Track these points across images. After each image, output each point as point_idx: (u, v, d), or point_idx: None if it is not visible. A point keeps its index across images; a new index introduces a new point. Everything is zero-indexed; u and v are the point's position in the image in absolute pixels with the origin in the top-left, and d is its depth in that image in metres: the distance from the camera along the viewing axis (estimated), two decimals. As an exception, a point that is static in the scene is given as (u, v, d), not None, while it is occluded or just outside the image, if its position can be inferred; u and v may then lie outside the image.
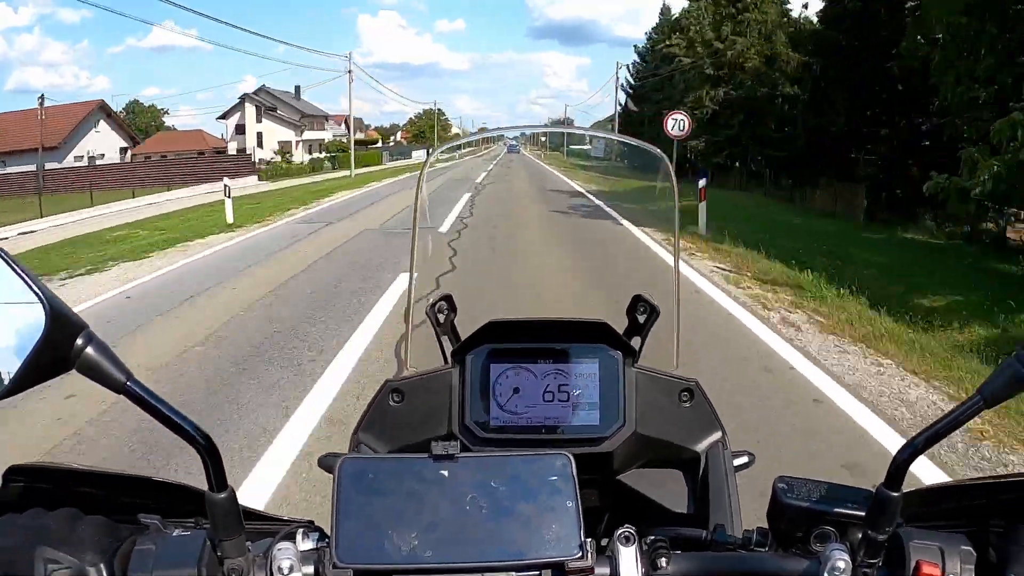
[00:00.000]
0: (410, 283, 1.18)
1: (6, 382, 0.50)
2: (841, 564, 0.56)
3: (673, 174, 1.06)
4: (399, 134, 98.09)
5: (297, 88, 61.49)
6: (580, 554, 0.56)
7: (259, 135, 55.16)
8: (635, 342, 0.94)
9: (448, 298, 1.01)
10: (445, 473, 0.60)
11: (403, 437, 0.89)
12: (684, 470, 0.91)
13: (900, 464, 0.53)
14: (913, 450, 0.53)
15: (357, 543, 0.56)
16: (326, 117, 65.81)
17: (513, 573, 0.56)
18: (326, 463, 0.90)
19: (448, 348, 0.95)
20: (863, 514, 0.56)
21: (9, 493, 0.62)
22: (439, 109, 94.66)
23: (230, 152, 51.67)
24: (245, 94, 57.82)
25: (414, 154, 64.11)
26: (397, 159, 62.17)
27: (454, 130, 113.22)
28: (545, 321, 0.90)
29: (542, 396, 0.87)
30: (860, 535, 0.57)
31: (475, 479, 0.60)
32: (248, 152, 50.37)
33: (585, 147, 57.78)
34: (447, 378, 0.90)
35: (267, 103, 56.09)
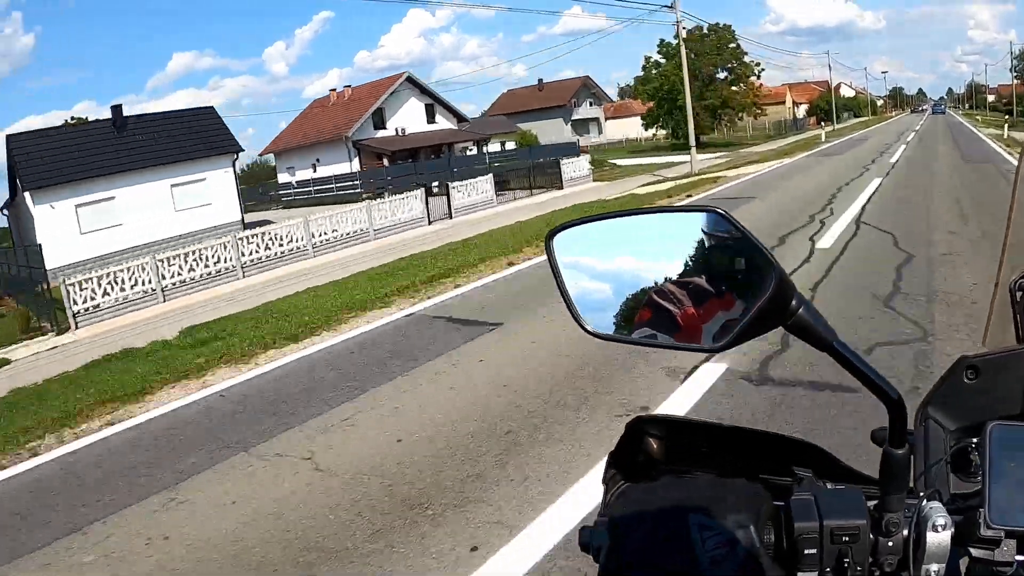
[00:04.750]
0: (1002, 256, 1.12)
1: (734, 332, 0.59)
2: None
3: None
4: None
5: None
6: None
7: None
8: None
9: None
10: None
11: (973, 415, 0.78)
12: None
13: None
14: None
15: (1009, 507, 0.57)
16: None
17: None
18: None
19: None
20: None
21: (645, 444, 0.73)
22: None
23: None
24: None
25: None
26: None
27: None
28: None
29: None
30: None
31: None
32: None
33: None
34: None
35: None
